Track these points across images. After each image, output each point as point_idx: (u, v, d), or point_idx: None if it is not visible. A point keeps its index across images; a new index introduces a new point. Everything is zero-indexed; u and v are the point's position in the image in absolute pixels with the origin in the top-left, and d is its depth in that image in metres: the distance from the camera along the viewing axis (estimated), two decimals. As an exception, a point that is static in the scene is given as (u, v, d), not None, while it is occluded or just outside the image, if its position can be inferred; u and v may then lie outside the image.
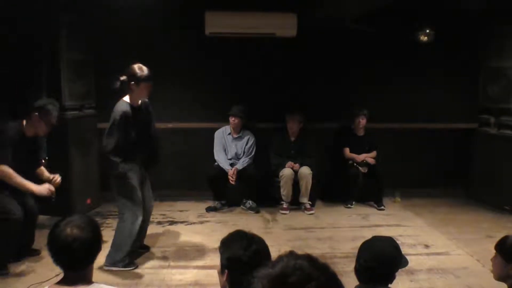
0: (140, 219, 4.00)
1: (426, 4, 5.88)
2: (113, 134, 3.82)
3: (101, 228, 2.09)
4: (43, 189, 3.89)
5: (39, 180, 4.03)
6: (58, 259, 1.87)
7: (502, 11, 5.67)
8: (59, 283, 1.87)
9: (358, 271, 2.18)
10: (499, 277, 2.45)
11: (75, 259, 1.85)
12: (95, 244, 1.91)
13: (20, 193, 3.91)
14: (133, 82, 3.86)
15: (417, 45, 6.13)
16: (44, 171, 4.14)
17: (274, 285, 0.88)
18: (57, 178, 4.11)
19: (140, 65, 3.91)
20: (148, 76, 3.89)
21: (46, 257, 4.09)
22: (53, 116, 3.91)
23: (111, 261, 3.96)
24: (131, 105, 3.94)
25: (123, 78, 3.90)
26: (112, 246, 4.02)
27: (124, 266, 3.97)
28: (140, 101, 4.03)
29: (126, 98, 3.95)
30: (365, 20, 5.93)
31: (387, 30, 6.11)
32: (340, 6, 5.30)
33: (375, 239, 2.29)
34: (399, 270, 2.20)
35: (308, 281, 0.87)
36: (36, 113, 3.86)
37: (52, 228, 1.91)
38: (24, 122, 3.92)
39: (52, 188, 3.96)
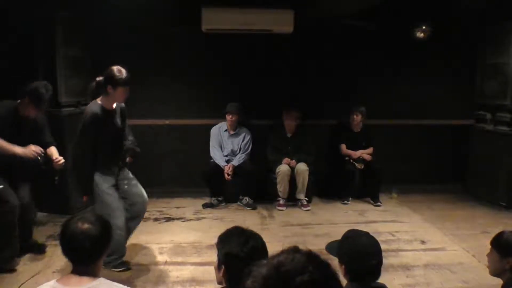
0: (116, 226, 3.74)
1: (423, 1, 5.88)
2: (81, 143, 3.71)
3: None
4: (28, 151, 3.78)
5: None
6: (67, 251, 1.95)
7: (499, 7, 5.68)
8: (67, 276, 1.94)
9: (345, 267, 2.16)
10: (495, 273, 2.46)
11: (83, 253, 1.92)
12: (104, 240, 1.98)
13: (17, 190, 3.90)
14: (110, 85, 3.64)
15: (414, 42, 6.14)
16: (54, 152, 4.06)
17: (269, 273, 0.89)
18: (61, 160, 4.01)
19: (120, 67, 3.68)
20: (126, 80, 3.65)
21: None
22: (44, 100, 3.80)
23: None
24: (104, 108, 3.73)
25: (99, 79, 3.74)
26: None
27: (114, 267, 3.88)
28: (114, 105, 3.82)
29: (100, 100, 3.75)
30: (362, 17, 5.94)
31: (384, 27, 6.12)
32: (337, 3, 5.29)
33: (356, 235, 2.27)
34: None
35: (301, 273, 0.88)
36: (27, 96, 3.77)
37: (65, 221, 2.00)
38: (19, 101, 3.85)
39: (38, 150, 3.83)
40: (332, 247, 2.29)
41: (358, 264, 2.10)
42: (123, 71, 3.67)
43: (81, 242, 1.89)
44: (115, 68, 3.67)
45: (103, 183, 3.81)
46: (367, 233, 2.28)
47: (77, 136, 3.74)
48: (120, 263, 3.92)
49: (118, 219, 3.80)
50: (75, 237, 1.90)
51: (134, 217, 4.12)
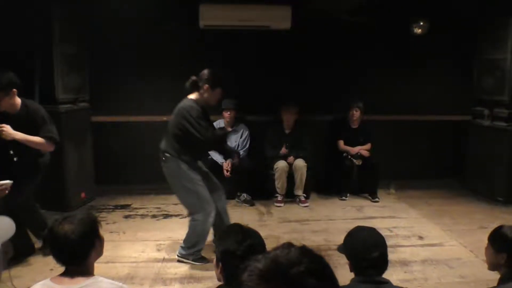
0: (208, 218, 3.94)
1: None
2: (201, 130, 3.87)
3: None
4: None
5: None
6: (53, 253, 1.95)
7: (496, 2, 5.67)
8: (61, 275, 1.95)
9: (350, 263, 2.20)
10: (492, 267, 2.47)
11: (67, 254, 1.93)
12: (88, 240, 1.97)
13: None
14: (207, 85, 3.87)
15: (412, 38, 6.14)
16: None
17: (265, 266, 0.91)
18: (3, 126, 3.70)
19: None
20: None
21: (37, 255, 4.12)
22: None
23: (184, 254, 4.01)
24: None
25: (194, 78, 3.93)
26: (185, 241, 4.03)
27: (195, 260, 3.99)
28: None
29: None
30: (360, 12, 5.93)
31: (381, 23, 6.11)
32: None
33: (358, 230, 2.31)
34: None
35: (296, 264, 0.90)
36: None
37: (50, 224, 2.00)
38: None
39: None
40: (341, 246, 2.32)
41: (359, 257, 2.14)
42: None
43: (63, 244, 1.91)
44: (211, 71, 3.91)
45: (195, 175, 3.93)
46: (370, 228, 2.30)
47: (195, 129, 3.79)
48: (201, 257, 4.03)
49: (212, 212, 3.94)
50: (58, 239, 1.91)
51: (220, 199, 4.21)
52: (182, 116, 3.82)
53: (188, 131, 3.80)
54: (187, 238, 4.03)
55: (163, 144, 4.01)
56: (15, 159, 3.74)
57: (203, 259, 4.02)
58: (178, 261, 4.02)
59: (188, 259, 4.00)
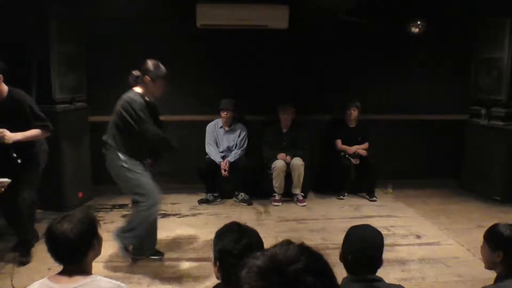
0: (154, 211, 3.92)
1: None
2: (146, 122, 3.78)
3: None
4: None
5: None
6: (50, 251, 1.96)
7: (493, 2, 5.68)
8: (59, 274, 1.95)
9: (344, 261, 2.19)
10: (488, 266, 2.48)
11: (65, 253, 1.93)
12: (86, 239, 1.97)
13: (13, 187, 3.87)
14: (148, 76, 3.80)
15: (409, 37, 6.14)
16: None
17: (263, 263, 0.91)
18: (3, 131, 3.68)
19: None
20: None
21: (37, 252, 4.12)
22: None
23: (117, 234, 3.89)
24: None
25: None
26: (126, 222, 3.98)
27: (152, 255, 4.01)
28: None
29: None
30: (357, 12, 5.93)
31: (379, 22, 6.12)
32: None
33: (356, 228, 2.30)
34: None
35: (294, 262, 0.90)
36: None
37: (50, 222, 2.00)
38: None
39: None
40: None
41: (353, 255, 2.13)
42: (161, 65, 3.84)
43: (60, 243, 1.91)
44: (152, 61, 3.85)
45: (137, 166, 3.85)
46: (366, 226, 2.30)
47: (133, 120, 3.70)
48: (157, 251, 4.05)
49: (157, 205, 3.93)
50: (55, 238, 1.91)
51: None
52: (122, 106, 3.73)
53: (127, 121, 3.70)
54: (127, 220, 3.97)
55: (105, 135, 3.91)
56: (19, 161, 3.71)
57: (127, 253, 3.90)
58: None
59: (118, 241, 3.82)
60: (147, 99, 3.85)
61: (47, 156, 4.22)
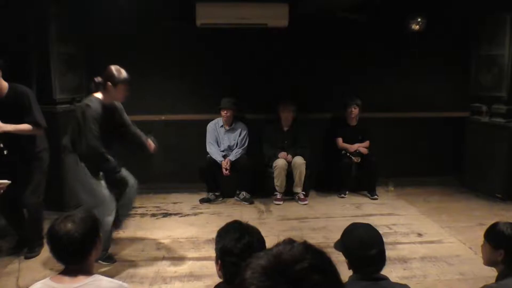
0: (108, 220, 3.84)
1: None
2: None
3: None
4: None
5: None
6: (52, 252, 1.95)
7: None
8: (61, 273, 1.95)
9: (348, 261, 2.19)
10: (488, 264, 2.48)
11: (68, 253, 1.92)
12: (89, 239, 1.97)
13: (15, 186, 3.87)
14: (109, 82, 3.78)
15: (409, 34, 6.13)
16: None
17: (268, 263, 0.91)
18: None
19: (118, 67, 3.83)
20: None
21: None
22: None
23: None
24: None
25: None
26: None
27: (104, 260, 3.91)
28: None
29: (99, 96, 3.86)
30: (357, 9, 5.92)
31: (379, 19, 6.11)
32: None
33: (353, 227, 2.30)
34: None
35: (300, 261, 0.89)
36: None
37: (52, 222, 1.99)
38: None
39: None
40: (338, 243, 2.31)
41: (356, 255, 2.13)
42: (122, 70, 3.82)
43: (65, 243, 1.90)
44: (114, 67, 3.81)
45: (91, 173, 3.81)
46: (366, 225, 2.29)
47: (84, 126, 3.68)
48: (108, 257, 3.96)
49: (111, 213, 3.84)
50: (59, 238, 1.91)
51: (126, 204, 4.10)
52: (78, 111, 3.75)
53: (80, 128, 3.71)
54: None
55: (64, 139, 3.92)
56: (5, 152, 3.69)
57: (108, 259, 3.94)
58: None
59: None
60: (105, 103, 3.85)
61: (48, 156, 4.24)
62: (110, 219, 3.85)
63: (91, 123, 3.66)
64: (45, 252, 4.12)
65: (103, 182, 3.86)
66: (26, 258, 4.01)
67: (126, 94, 3.90)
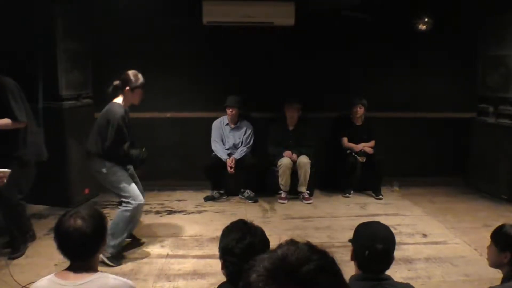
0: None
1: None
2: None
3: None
4: None
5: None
6: (61, 248, 1.94)
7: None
8: (66, 270, 1.94)
9: (359, 259, 2.16)
10: (494, 265, 2.47)
11: (77, 249, 1.92)
12: (98, 235, 1.97)
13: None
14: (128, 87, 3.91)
15: (415, 34, 6.11)
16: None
17: (274, 265, 0.89)
18: None
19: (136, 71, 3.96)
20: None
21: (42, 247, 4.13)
22: None
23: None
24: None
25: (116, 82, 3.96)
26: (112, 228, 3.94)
27: (108, 258, 3.86)
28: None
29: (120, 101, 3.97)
30: (363, 8, 5.90)
31: (385, 19, 6.09)
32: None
33: (372, 222, 2.29)
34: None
35: (306, 262, 0.89)
36: None
37: (59, 218, 1.98)
38: None
39: None
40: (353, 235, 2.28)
41: (364, 247, 2.08)
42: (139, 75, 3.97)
43: (74, 239, 1.89)
44: (131, 72, 3.95)
45: (121, 171, 3.99)
46: (385, 225, 2.27)
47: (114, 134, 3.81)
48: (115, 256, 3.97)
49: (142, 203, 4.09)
50: (69, 234, 1.89)
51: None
52: (107, 119, 3.85)
53: (108, 134, 3.83)
54: (115, 226, 3.92)
55: (88, 143, 4.01)
56: None
57: (116, 259, 3.92)
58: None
59: (106, 253, 3.79)
60: (126, 108, 3.98)
61: (44, 150, 4.19)
62: (141, 210, 4.10)
63: (122, 132, 3.84)
64: (50, 247, 4.14)
65: (129, 178, 4.05)
66: (10, 259, 3.91)
67: (142, 98, 4.05)
